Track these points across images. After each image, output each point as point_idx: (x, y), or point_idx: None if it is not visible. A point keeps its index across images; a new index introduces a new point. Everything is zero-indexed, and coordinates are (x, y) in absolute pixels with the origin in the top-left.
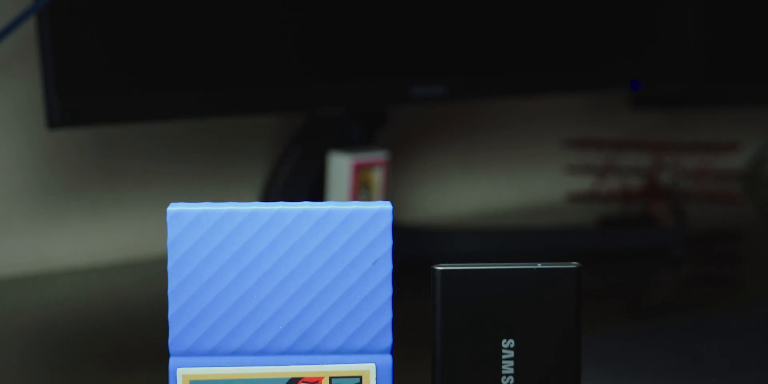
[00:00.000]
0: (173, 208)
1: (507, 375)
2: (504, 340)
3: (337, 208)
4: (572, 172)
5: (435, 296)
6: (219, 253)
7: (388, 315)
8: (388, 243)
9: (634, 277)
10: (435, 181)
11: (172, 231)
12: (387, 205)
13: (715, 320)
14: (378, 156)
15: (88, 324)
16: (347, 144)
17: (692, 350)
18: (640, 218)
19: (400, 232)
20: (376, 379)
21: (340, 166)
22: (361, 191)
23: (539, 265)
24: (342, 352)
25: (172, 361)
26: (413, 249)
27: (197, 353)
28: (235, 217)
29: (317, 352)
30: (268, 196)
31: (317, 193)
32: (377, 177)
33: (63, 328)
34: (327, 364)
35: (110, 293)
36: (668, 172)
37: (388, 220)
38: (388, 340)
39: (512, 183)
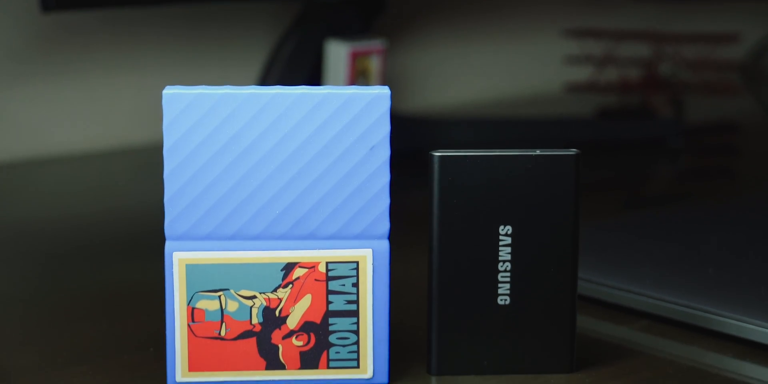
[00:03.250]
0: (169, 91)
1: (504, 261)
2: (501, 227)
3: (334, 92)
4: (571, 62)
5: (432, 182)
6: (215, 137)
7: (385, 200)
8: (386, 128)
9: (631, 168)
10: (432, 71)
11: (168, 114)
12: (385, 90)
13: (712, 211)
14: (375, 44)
15: (83, 210)
16: (345, 32)
17: (689, 241)
18: (639, 109)
19: (398, 120)
20: (373, 264)
21: (337, 53)
22: (358, 80)
23: (538, 152)
24: (339, 237)
25: (168, 245)
26: (411, 138)
27: (193, 237)
28: (232, 101)
29: (314, 237)
30: (264, 84)
31: (314, 82)
32: (375, 65)
33: (59, 215)
34: (324, 249)
35: (106, 179)
36: (667, 62)
37: (386, 105)
38: (385, 226)
39: (510, 73)
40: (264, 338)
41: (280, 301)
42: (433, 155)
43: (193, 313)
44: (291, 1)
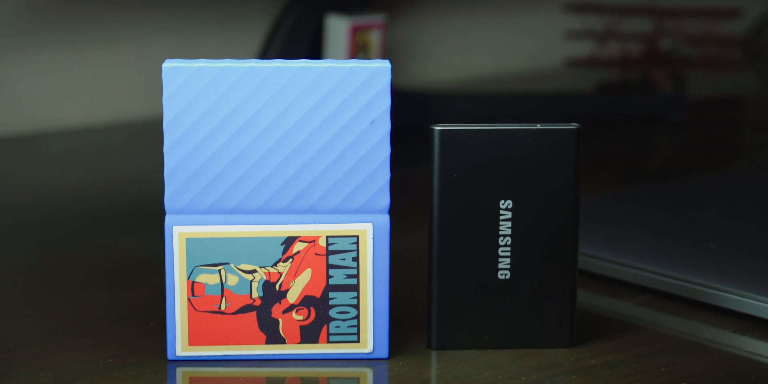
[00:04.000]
0: (169, 64)
1: (504, 236)
2: (502, 201)
3: (335, 65)
4: (572, 37)
5: (433, 157)
6: (215, 110)
7: (385, 175)
8: (386, 102)
9: (632, 142)
10: (433, 45)
11: (168, 87)
12: (386, 64)
13: (712, 185)
14: (376, 18)
15: (82, 184)
16: (345, 6)
17: (690, 215)
18: (640, 84)
19: (398, 95)
20: (373, 238)
21: (337, 28)
22: (358, 54)
23: (538, 126)
24: (339, 211)
25: (167, 218)
26: (411, 112)
27: (193, 211)
28: (232, 74)
29: (314, 211)
30: (265, 57)
31: (315, 56)
32: (375, 39)
33: (58, 188)
34: (324, 223)
35: (106, 153)
36: (669, 37)
37: (386, 79)
38: (385, 200)
39: (511, 47)
40: (264, 312)
41: (280, 276)
42: (434, 129)
43: (193, 287)
44: None
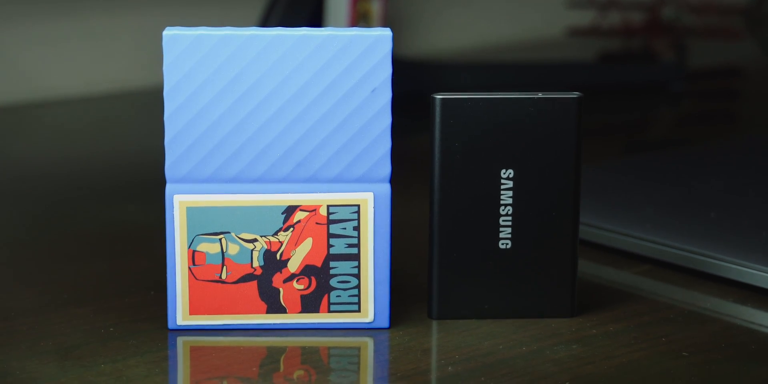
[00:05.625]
0: (169, 32)
1: (505, 205)
2: (503, 170)
3: (336, 33)
4: (573, 6)
5: (434, 125)
6: (216, 78)
7: (386, 143)
8: (387, 70)
9: (633, 112)
10: (434, 14)
11: (168, 55)
12: (387, 32)
13: (713, 155)
14: None
15: (83, 153)
16: None
17: (691, 184)
18: (641, 53)
19: (399, 64)
20: (374, 207)
21: None
22: (359, 23)
23: (540, 95)
24: (340, 180)
25: (168, 187)
26: (412, 81)
27: (194, 180)
28: (233, 42)
29: (315, 180)
30: (265, 25)
31: (315, 25)
32: (376, 8)
33: (58, 158)
34: (325, 192)
35: (106, 122)
36: (671, 6)
37: (387, 47)
38: (386, 169)
39: (512, 16)
40: (265, 281)
41: (281, 245)
42: (435, 98)
43: (193, 256)
44: None
